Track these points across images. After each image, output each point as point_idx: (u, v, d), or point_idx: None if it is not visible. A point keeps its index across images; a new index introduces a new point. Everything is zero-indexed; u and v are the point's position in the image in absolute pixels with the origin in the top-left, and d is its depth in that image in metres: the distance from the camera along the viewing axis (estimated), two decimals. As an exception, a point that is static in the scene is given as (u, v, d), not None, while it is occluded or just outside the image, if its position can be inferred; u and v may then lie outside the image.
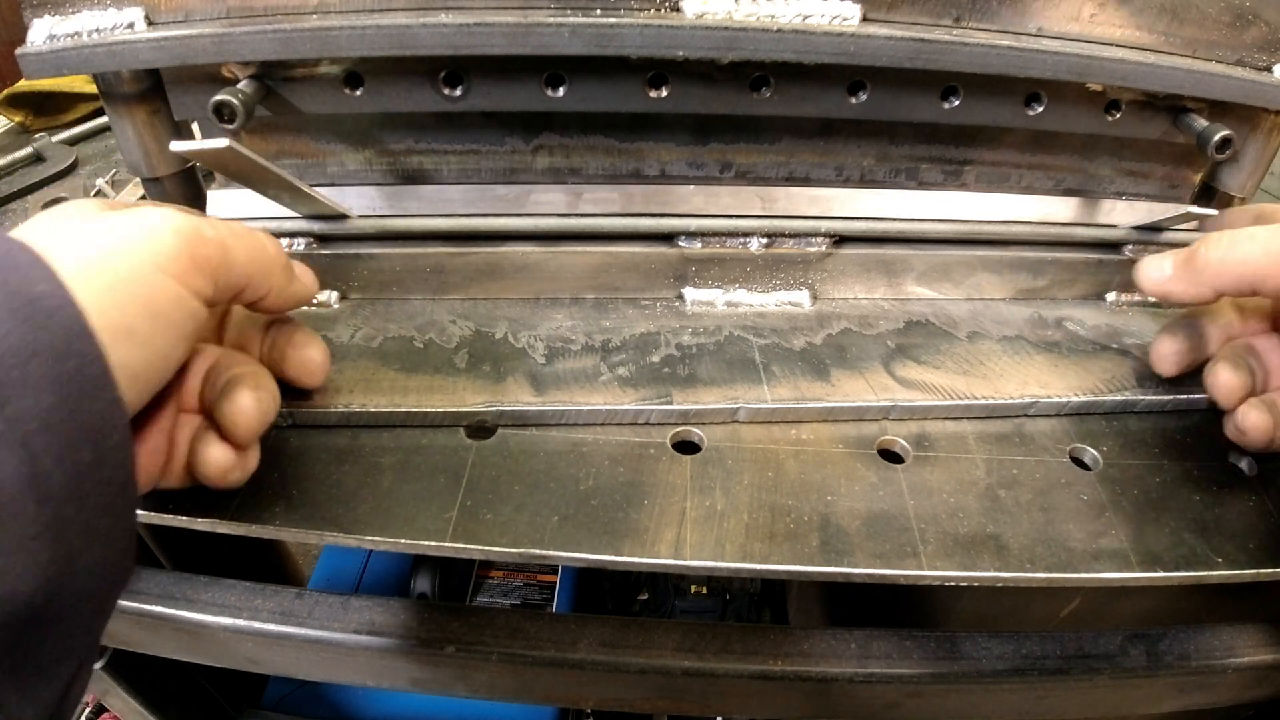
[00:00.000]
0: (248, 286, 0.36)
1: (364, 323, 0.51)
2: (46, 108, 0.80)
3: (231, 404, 0.35)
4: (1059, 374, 0.51)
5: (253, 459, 0.38)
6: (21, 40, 0.41)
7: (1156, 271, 0.44)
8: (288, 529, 0.39)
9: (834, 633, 0.49)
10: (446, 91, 0.46)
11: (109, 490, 0.26)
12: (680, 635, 0.48)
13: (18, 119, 0.79)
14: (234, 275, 0.34)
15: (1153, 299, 0.60)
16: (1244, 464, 0.48)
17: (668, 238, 0.53)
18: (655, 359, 0.49)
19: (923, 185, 0.55)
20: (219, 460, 0.36)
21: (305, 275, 0.41)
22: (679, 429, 0.46)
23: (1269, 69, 0.50)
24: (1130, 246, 0.57)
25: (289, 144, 0.49)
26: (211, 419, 0.37)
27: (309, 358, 0.41)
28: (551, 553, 0.39)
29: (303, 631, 0.47)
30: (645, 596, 1.08)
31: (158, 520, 0.40)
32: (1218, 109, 0.52)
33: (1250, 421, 0.43)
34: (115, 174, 0.69)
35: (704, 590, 1.06)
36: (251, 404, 0.36)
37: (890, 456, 0.46)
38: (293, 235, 0.50)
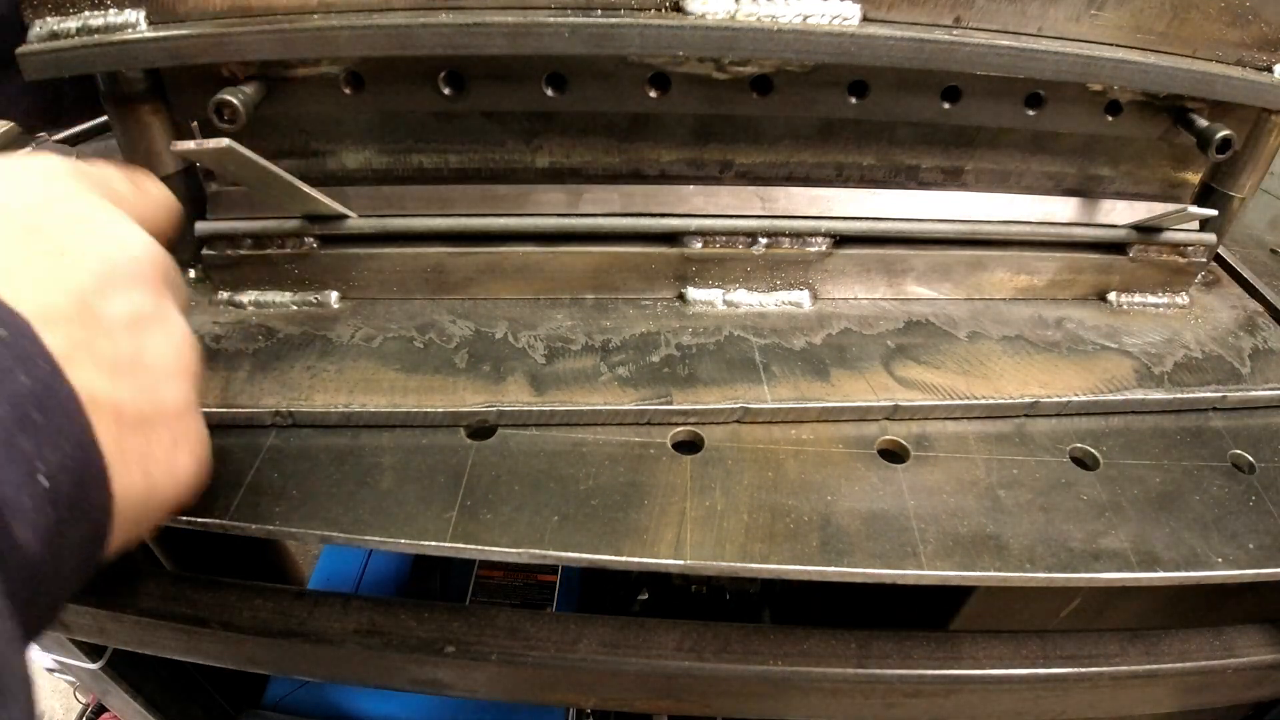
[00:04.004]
0: None
1: (364, 323, 0.51)
2: (46, 108, 0.80)
3: None
4: (1059, 374, 0.51)
5: None
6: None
7: None
8: (288, 529, 0.39)
9: (834, 633, 0.48)
10: (446, 91, 0.46)
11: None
12: (680, 635, 0.48)
13: (18, 119, 0.79)
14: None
15: (1152, 299, 0.60)
16: (1244, 464, 0.48)
17: (668, 238, 0.52)
18: (655, 359, 0.49)
19: (923, 185, 0.55)
20: None
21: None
22: (679, 429, 0.46)
23: (1269, 69, 0.50)
24: (1131, 247, 0.57)
25: (289, 144, 0.49)
26: None
27: None
28: (551, 553, 0.39)
29: (303, 631, 0.47)
30: (645, 596, 1.08)
31: (158, 520, 0.40)
32: (1218, 109, 0.52)
33: None
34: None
35: (704, 590, 1.06)
36: None
37: (890, 456, 0.46)
38: (293, 235, 0.50)
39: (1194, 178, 0.58)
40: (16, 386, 0.23)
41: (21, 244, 0.27)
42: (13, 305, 0.25)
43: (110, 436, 0.27)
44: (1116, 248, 0.58)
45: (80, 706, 1.15)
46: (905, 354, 0.52)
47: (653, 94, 0.47)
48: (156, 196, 0.37)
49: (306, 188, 0.46)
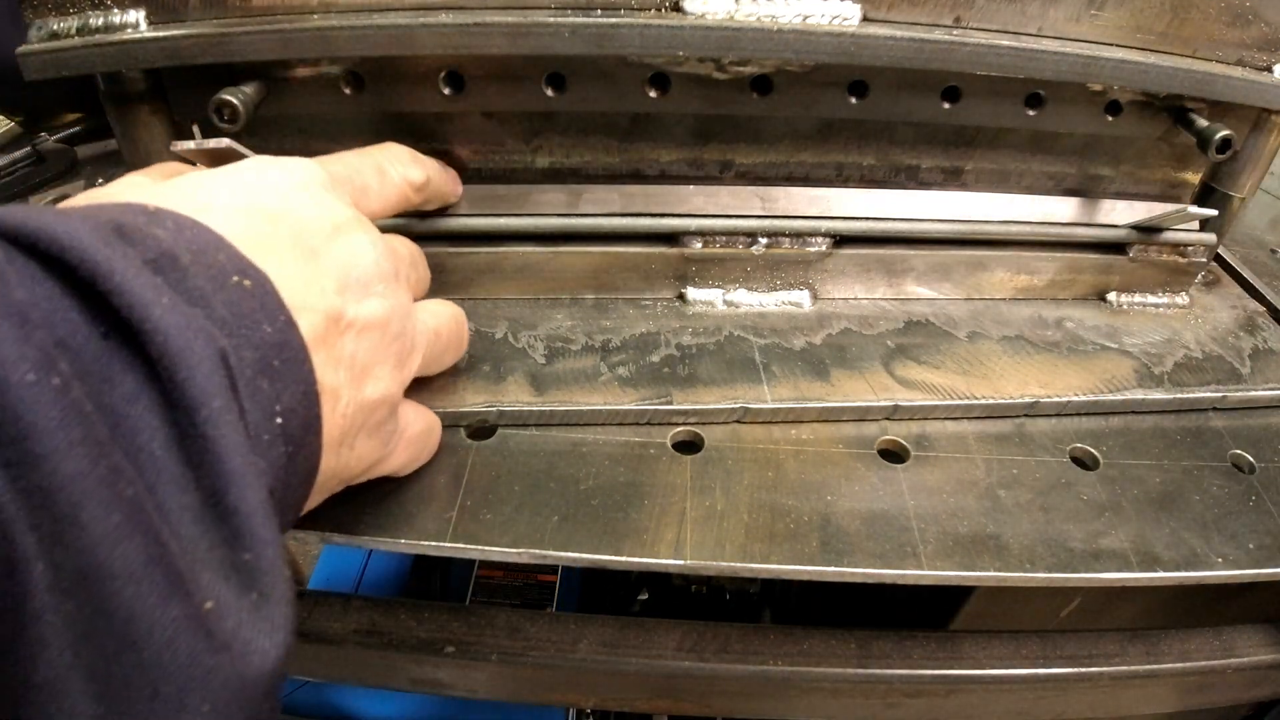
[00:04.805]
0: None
1: (364, 323, 0.51)
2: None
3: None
4: (1059, 374, 0.51)
5: None
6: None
7: None
8: (288, 529, 0.39)
9: (834, 633, 0.48)
10: (446, 91, 0.46)
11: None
12: (680, 635, 0.48)
13: (17, 119, 0.79)
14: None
15: (1152, 299, 0.60)
16: (1244, 464, 0.48)
17: (668, 238, 0.52)
18: (655, 359, 0.49)
19: (923, 185, 0.55)
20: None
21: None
22: (679, 429, 0.46)
23: (1269, 69, 0.50)
24: (1131, 247, 0.57)
25: (289, 144, 0.49)
26: None
27: None
28: (551, 553, 0.39)
29: (303, 631, 0.47)
30: (645, 596, 1.08)
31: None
32: (1218, 109, 0.52)
33: None
34: (115, 174, 0.69)
35: (704, 590, 1.06)
36: None
37: (890, 456, 0.46)
38: (293, 235, 0.50)
39: (1194, 178, 0.58)
40: (262, 335, 0.26)
41: (289, 244, 0.30)
42: (262, 268, 0.27)
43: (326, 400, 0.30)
44: (1116, 248, 0.58)
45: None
46: (905, 354, 0.52)
47: (653, 94, 0.47)
48: (396, 181, 0.42)
49: (306, 188, 0.46)
